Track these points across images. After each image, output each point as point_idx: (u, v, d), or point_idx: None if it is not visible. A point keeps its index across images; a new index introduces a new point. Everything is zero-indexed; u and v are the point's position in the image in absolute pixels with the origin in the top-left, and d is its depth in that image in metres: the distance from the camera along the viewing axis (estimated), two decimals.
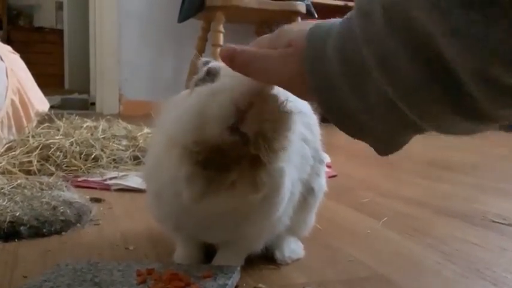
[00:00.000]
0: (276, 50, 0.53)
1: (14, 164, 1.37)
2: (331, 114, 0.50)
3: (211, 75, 0.63)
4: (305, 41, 0.50)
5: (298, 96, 0.55)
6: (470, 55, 0.35)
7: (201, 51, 3.28)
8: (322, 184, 0.82)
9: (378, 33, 0.41)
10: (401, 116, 0.44)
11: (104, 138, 1.64)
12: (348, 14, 0.47)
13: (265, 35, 0.58)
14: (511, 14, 0.33)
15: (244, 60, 0.55)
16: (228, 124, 0.56)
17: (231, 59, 0.55)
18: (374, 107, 0.45)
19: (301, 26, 0.53)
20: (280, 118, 0.60)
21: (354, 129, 0.50)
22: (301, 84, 0.51)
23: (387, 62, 0.41)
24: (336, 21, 0.50)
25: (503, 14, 0.33)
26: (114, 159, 1.52)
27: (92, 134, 1.65)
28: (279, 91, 0.60)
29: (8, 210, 0.90)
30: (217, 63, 0.65)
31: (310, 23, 0.53)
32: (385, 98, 0.43)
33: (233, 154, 0.59)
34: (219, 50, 2.96)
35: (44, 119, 1.86)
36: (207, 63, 0.67)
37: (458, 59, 0.37)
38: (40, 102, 1.87)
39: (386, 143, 0.50)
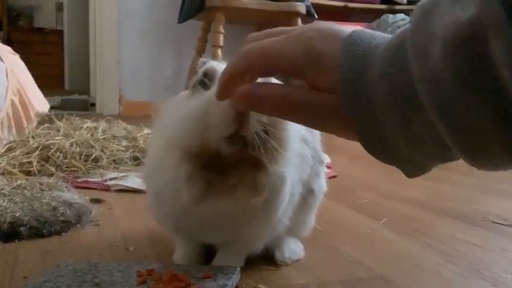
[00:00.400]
0: (320, 96, 0.45)
1: (14, 164, 1.37)
2: (367, 143, 0.45)
3: (208, 77, 0.64)
4: (339, 74, 0.44)
5: (333, 133, 0.49)
6: None
7: (200, 52, 3.29)
8: (322, 185, 0.82)
9: (436, 74, 0.36)
10: (446, 153, 0.41)
11: (104, 139, 1.64)
12: (396, 38, 0.42)
13: (284, 45, 0.47)
14: None
15: (275, 107, 0.48)
16: (228, 132, 0.57)
17: (256, 107, 0.49)
18: (418, 143, 0.41)
19: (332, 47, 0.45)
20: (278, 121, 0.60)
21: (389, 158, 0.46)
22: (340, 120, 0.45)
23: (445, 108, 0.36)
24: (373, 37, 0.44)
25: None
26: (114, 160, 1.52)
27: (92, 135, 1.65)
28: None
29: (8, 211, 0.90)
30: (215, 64, 0.65)
31: (338, 36, 0.46)
32: (434, 137, 0.39)
33: (233, 158, 0.59)
34: (219, 50, 2.97)
35: (44, 119, 1.86)
36: (204, 63, 0.67)
37: None
38: (40, 103, 1.87)
39: (419, 170, 0.47)
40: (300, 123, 0.50)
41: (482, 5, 0.33)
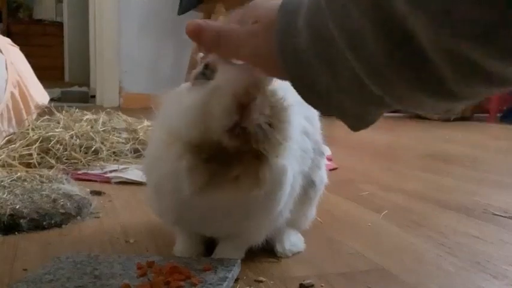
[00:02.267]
0: (243, 27, 0.52)
1: (14, 156, 1.37)
2: (301, 90, 0.49)
3: (209, 69, 0.63)
4: (276, 15, 0.48)
5: (268, 73, 0.54)
6: (436, 29, 0.34)
7: None
8: (322, 177, 0.82)
9: (341, 5, 0.40)
10: (370, 93, 0.43)
11: (104, 131, 1.64)
12: None
13: (237, 10, 0.57)
14: None
15: (211, 36, 0.54)
16: (230, 123, 0.56)
17: (197, 35, 0.55)
18: (344, 83, 0.44)
19: (274, 1, 0.51)
20: (280, 112, 0.60)
21: (325, 106, 0.49)
22: (270, 60, 0.49)
23: (353, 38, 0.40)
24: None
25: None
26: (114, 152, 1.52)
27: (92, 127, 1.65)
28: (278, 85, 0.60)
29: (8, 203, 0.89)
30: (216, 57, 0.65)
31: None
32: (354, 74, 0.42)
33: (235, 149, 0.59)
34: None
35: (43, 111, 1.86)
36: (205, 57, 0.67)
37: (424, 34, 0.35)
38: (40, 95, 1.86)
39: (357, 119, 0.49)
40: (231, 56, 0.56)
41: None
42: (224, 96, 0.56)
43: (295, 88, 0.49)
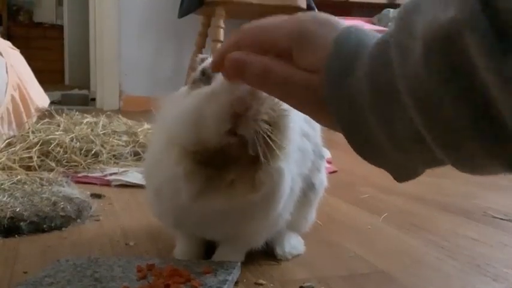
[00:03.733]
0: (302, 74, 0.46)
1: (14, 159, 1.37)
2: (353, 141, 0.46)
3: (205, 75, 0.63)
4: (327, 65, 0.44)
5: (317, 120, 0.51)
6: None
7: (201, 46, 3.28)
8: (322, 179, 0.82)
9: (416, 70, 0.37)
10: (428, 154, 0.41)
11: (104, 134, 1.64)
12: (383, 36, 0.42)
13: (277, 24, 0.49)
14: None
15: (260, 75, 0.48)
16: (225, 129, 0.56)
17: (240, 72, 0.50)
18: (400, 141, 0.42)
19: (326, 30, 0.46)
20: (277, 118, 0.60)
21: (374, 157, 0.47)
22: (320, 107, 0.46)
23: (425, 103, 0.37)
24: (360, 36, 0.45)
25: None
26: (114, 155, 1.52)
27: (92, 130, 1.65)
28: None
29: (9, 206, 0.89)
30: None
31: (331, 25, 0.47)
32: (415, 135, 0.40)
33: (232, 154, 0.59)
34: (219, 45, 2.96)
35: (44, 114, 1.86)
36: (203, 60, 0.67)
37: (510, 109, 0.33)
38: (40, 98, 1.86)
39: (406, 172, 0.47)
40: (279, 97, 0.51)
41: (460, 4, 0.34)
42: (220, 102, 0.56)
43: (346, 137, 0.46)
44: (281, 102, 0.59)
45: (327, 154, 1.32)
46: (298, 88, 0.47)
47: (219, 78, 0.59)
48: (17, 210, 0.89)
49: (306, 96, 0.47)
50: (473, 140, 0.36)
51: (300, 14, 0.49)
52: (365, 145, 0.45)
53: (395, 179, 0.48)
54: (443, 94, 0.36)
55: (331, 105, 0.45)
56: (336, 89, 0.44)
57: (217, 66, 0.53)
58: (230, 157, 0.59)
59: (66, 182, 1.12)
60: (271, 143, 0.58)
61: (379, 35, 0.44)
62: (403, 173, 0.47)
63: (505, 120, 0.34)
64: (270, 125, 0.58)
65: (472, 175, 0.41)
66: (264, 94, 0.57)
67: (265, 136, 0.58)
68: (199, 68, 0.66)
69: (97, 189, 1.20)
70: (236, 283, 0.67)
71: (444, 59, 0.35)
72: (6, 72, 1.67)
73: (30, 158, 1.40)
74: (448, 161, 0.40)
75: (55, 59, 6.76)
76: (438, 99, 0.36)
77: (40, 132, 1.58)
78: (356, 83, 0.43)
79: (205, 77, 0.63)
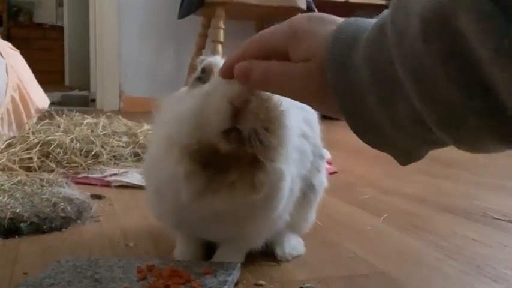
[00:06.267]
0: (297, 66, 0.49)
1: (14, 160, 1.37)
2: (354, 124, 0.47)
3: (206, 72, 0.64)
4: (327, 49, 0.46)
5: (320, 109, 0.53)
6: None
7: (201, 47, 3.28)
8: (322, 180, 0.82)
9: (412, 48, 0.38)
10: (428, 134, 0.42)
11: (104, 134, 1.64)
12: (380, 19, 0.44)
13: (273, 29, 0.53)
14: None
15: (261, 76, 0.52)
16: (225, 127, 0.57)
17: (245, 78, 0.53)
18: (401, 122, 0.43)
19: (321, 27, 0.49)
20: (276, 116, 0.60)
21: (376, 141, 0.48)
22: (322, 95, 0.48)
23: (422, 81, 0.38)
24: (360, 23, 0.46)
25: None
26: (114, 156, 1.52)
27: (92, 131, 1.65)
28: None
29: (9, 207, 0.89)
30: (212, 60, 0.65)
31: (326, 20, 0.49)
32: (415, 115, 0.41)
33: (232, 154, 0.59)
34: (219, 46, 2.96)
35: (44, 115, 1.86)
36: (203, 60, 0.68)
37: (504, 83, 0.34)
38: (40, 99, 1.86)
39: (408, 155, 0.48)
40: (282, 93, 0.53)
41: None
42: (219, 101, 0.57)
43: (349, 123, 0.47)
44: (279, 102, 0.60)
45: (327, 155, 1.32)
46: (296, 78, 0.49)
47: (217, 76, 0.60)
48: (17, 211, 0.89)
49: (304, 85, 0.49)
50: (471, 115, 0.37)
51: (293, 17, 0.52)
52: (366, 128, 0.47)
53: (398, 162, 0.50)
54: (440, 70, 0.37)
55: (332, 88, 0.46)
56: (336, 71, 0.46)
57: (225, 72, 0.56)
58: (230, 158, 0.60)
59: (66, 183, 1.12)
60: (270, 139, 0.59)
61: (377, 20, 0.45)
62: (405, 156, 0.49)
63: (500, 94, 0.35)
64: (268, 123, 0.59)
65: (472, 153, 0.41)
66: (263, 93, 0.58)
67: (263, 133, 0.58)
68: (200, 66, 0.66)
69: (97, 190, 1.20)
70: (236, 284, 0.67)
71: (441, 35, 0.36)
72: (6, 73, 1.67)
73: (30, 158, 1.40)
74: (448, 139, 0.40)
75: (55, 60, 6.77)
76: (436, 76, 0.37)
77: (40, 133, 1.58)
78: (355, 64, 0.44)
79: (205, 75, 0.63)
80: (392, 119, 0.43)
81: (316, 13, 0.52)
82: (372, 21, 0.46)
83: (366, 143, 0.48)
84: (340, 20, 0.49)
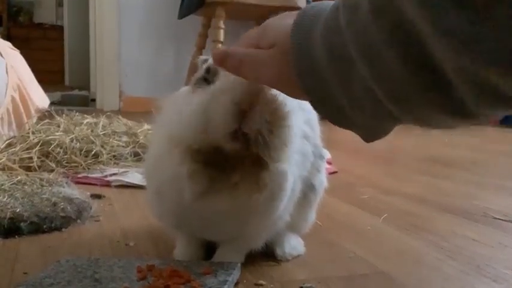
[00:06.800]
0: (263, 51, 0.53)
1: (14, 160, 1.37)
2: (318, 106, 0.50)
3: (210, 73, 0.64)
4: (290, 35, 0.49)
5: (290, 95, 0.55)
6: (463, 57, 0.34)
7: (201, 47, 3.28)
8: (322, 180, 0.82)
9: (363, 26, 0.40)
10: (384, 109, 0.43)
11: (104, 134, 1.64)
12: (336, 2, 0.46)
13: (252, 30, 0.58)
14: (508, 16, 0.32)
15: (234, 62, 0.55)
16: (232, 127, 0.57)
17: (222, 62, 0.56)
18: (358, 99, 0.45)
19: (287, 19, 0.52)
20: (280, 118, 0.60)
21: (340, 120, 0.50)
22: (290, 81, 0.50)
23: (371, 57, 0.40)
24: (323, 5, 0.49)
25: (501, 15, 0.32)
26: (114, 156, 1.52)
27: (92, 131, 1.65)
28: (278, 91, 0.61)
29: (9, 207, 0.89)
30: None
31: (294, 13, 0.52)
32: (368, 90, 0.43)
33: (236, 154, 0.59)
34: (219, 46, 2.97)
35: (44, 115, 1.86)
36: (206, 61, 0.67)
37: (449, 60, 0.36)
38: (40, 99, 1.86)
39: (371, 132, 0.51)
40: (255, 79, 0.56)
41: None
42: (225, 102, 0.57)
43: (312, 105, 0.50)
44: (283, 103, 0.60)
45: (327, 155, 1.32)
46: (266, 65, 0.52)
47: (223, 76, 0.60)
48: (17, 210, 0.89)
49: (273, 70, 0.52)
50: (416, 90, 0.39)
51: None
52: (329, 108, 0.49)
53: (362, 138, 0.52)
54: (388, 46, 0.38)
55: (294, 70, 0.49)
56: (297, 54, 0.48)
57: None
58: (233, 158, 0.60)
59: (66, 183, 1.12)
60: (274, 140, 0.59)
61: (334, 2, 0.48)
62: (369, 133, 0.51)
63: (444, 69, 0.36)
64: (272, 125, 0.59)
65: (427, 128, 0.44)
66: (268, 95, 0.58)
67: (268, 134, 0.58)
68: (203, 66, 0.66)
69: (97, 190, 1.20)
70: (236, 284, 0.67)
71: (388, 12, 0.38)
72: (7, 72, 1.67)
73: (31, 158, 1.40)
74: (400, 115, 0.43)
75: (55, 60, 6.78)
76: (384, 52, 0.39)
77: (40, 132, 1.58)
78: (314, 47, 0.47)
79: (211, 75, 0.63)
80: (349, 98, 0.46)
81: (288, 12, 0.55)
82: (330, 3, 0.48)
83: (331, 122, 0.51)
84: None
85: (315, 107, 0.50)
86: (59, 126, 1.66)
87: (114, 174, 1.35)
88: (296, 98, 0.54)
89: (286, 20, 0.52)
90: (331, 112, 0.49)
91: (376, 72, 0.41)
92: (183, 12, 3.23)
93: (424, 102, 0.40)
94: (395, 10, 0.38)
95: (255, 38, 0.55)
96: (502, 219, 1.07)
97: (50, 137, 1.51)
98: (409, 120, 0.44)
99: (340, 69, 0.45)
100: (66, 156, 1.45)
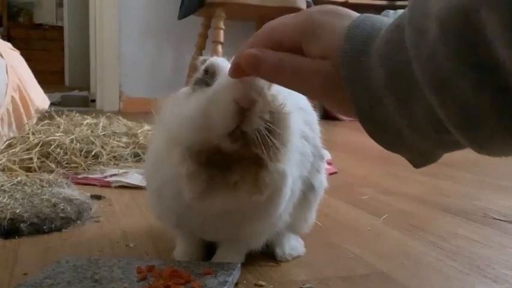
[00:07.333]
0: (311, 61, 0.48)
1: (14, 161, 1.37)
2: (369, 126, 0.46)
3: (209, 73, 0.64)
4: (342, 47, 0.45)
5: (332, 107, 0.51)
6: None
7: (201, 48, 3.28)
8: (322, 181, 0.82)
9: (432, 51, 0.37)
10: (446, 136, 0.40)
11: (104, 135, 1.64)
12: (397, 19, 0.42)
13: (285, 21, 0.51)
14: None
15: (270, 69, 0.50)
16: (230, 128, 0.57)
17: (255, 67, 0.50)
18: (419, 124, 0.41)
19: (335, 22, 0.47)
20: (280, 118, 0.60)
21: (392, 143, 0.46)
22: (336, 93, 0.46)
23: (442, 84, 0.37)
24: (374, 21, 0.45)
25: None
26: (114, 156, 1.52)
27: (92, 131, 1.65)
28: (278, 91, 0.61)
29: (9, 208, 0.90)
30: (215, 61, 0.65)
31: (341, 14, 0.48)
32: (434, 118, 0.39)
33: (235, 154, 0.59)
34: (219, 46, 2.96)
35: (44, 116, 1.86)
36: (205, 61, 0.67)
37: None
38: (40, 99, 1.86)
39: (425, 158, 0.47)
40: (294, 88, 0.51)
41: None
42: (225, 101, 0.57)
43: (362, 122, 0.46)
44: (283, 103, 0.60)
45: (327, 155, 1.32)
46: (311, 75, 0.47)
47: (223, 76, 0.60)
48: (17, 211, 0.89)
49: (319, 83, 0.47)
50: (492, 118, 0.36)
51: (307, 9, 0.50)
52: (381, 130, 0.45)
53: (412, 165, 0.48)
54: (461, 73, 0.35)
55: (347, 88, 0.45)
56: (351, 71, 0.44)
57: (234, 72, 0.55)
58: (233, 158, 0.60)
59: (66, 183, 1.12)
60: (273, 140, 0.59)
61: (393, 20, 0.44)
62: (421, 158, 0.47)
63: None
64: (272, 124, 0.59)
65: (490, 156, 0.40)
66: (267, 95, 0.58)
67: (268, 134, 0.58)
68: (202, 67, 0.66)
69: (97, 191, 1.20)
70: (236, 284, 0.67)
71: (461, 37, 0.35)
72: (6, 73, 1.67)
73: (30, 159, 1.40)
74: (466, 142, 0.39)
75: (55, 60, 6.78)
76: (456, 79, 0.36)
77: (40, 133, 1.58)
78: (371, 65, 0.43)
79: (209, 75, 0.63)
80: (409, 121, 0.42)
81: (330, 6, 0.49)
82: (383, 19, 0.46)
83: (380, 145, 0.47)
84: (353, 14, 0.48)
85: (364, 123, 0.46)
86: (59, 127, 1.66)
87: (114, 175, 1.35)
88: (339, 112, 0.50)
89: (336, 23, 0.47)
90: (384, 134, 0.45)
91: (446, 98, 0.37)
92: (183, 13, 3.23)
93: (502, 134, 0.36)
94: (471, 33, 0.34)
95: (297, 35, 0.49)
96: (502, 220, 1.07)
97: (50, 138, 1.51)
98: (471, 147, 0.40)
99: (401, 92, 0.41)
100: (66, 157, 1.44)
